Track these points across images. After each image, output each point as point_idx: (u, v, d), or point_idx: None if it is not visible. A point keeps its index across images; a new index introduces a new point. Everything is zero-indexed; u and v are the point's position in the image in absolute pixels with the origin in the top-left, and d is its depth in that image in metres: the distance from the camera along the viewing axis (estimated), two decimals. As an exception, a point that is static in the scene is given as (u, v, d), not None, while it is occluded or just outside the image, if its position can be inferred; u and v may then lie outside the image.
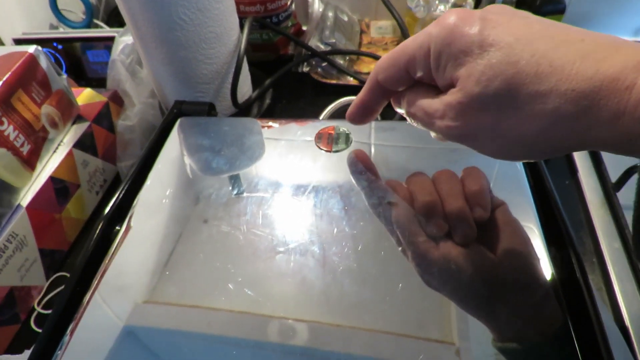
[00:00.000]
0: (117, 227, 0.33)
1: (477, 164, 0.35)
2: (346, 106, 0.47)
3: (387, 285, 0.28)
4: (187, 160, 0.38)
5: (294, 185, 0.34)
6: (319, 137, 0.37)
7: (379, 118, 0.48)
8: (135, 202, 0.34)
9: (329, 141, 0.37)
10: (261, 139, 0.39)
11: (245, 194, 0.34)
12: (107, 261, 0.31)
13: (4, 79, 0.37)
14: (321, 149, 0.37)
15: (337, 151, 0.36)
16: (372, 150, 0.37)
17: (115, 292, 0.29)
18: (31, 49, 0.40)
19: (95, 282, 0.29)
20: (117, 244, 0.32)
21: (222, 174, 0.36)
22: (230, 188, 0.35)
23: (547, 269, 0.28)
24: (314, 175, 0.35)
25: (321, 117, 0.46)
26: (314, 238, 0.30)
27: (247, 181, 0.35)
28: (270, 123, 0.41)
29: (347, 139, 0.37)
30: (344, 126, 0.38)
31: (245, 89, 0.55)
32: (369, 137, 0.38)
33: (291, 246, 0.30)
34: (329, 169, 0.35)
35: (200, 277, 0.29)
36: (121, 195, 0.35)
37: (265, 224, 0.32)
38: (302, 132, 0.39)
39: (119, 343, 0.26)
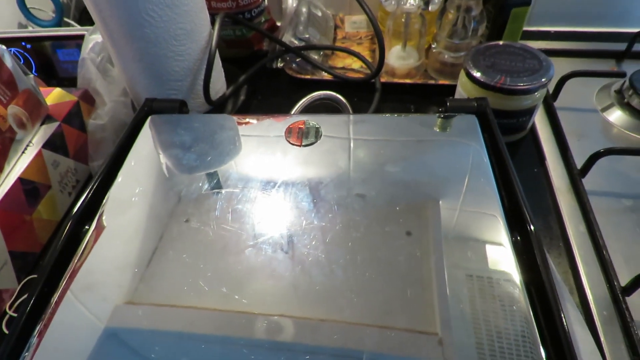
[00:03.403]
0: (87, 227, 0.33)
1: (444, 153, 0.36)
2: (317, 100, 0.48)
3: (370, 276, 0.28)
4: (158, 158, 0.38)
5: (265, 180, 0.34)
6: (289, 132, 0.38)
7: (351, 111, 0.49)
8: (105, 200, 0.34)
9: (299, 135, 0.37)
10: (232, 134, 0.39)
11: (215, 190, 0.34)
12: (76, 261, 0.30)
13: (-33, 79, 0.36)
14: (292, 144, 0.37)
15: (307, 145, 0.37)
16: (351, 144, 0.37)
17: (85, 292, 0.29)
18: (-5, 48, 0.39)
19: (64, 283, 0.29)
20: (86, 244, 0.31)
21: (193, 171, 0.36)
22: (200, 184, 0.35)
23: (509, 256, 0.28)
24: (284, 169, 0.35)
25: (292, 112, 0.46)
26: (289, 232, 0.31)
27: (218, 177, 0.35)
28: (244, 119, 0.41)
29: (317, 133, 0.38)
30: (313, 120, 0.39)
31: (219, 85, 0.54)
32: (339, 131, 0.38)
33: (266, 241, 0.30)
34: (300, 163, 0.36)
35: (172, 275, 0.29)
36: (90, 194, 0.35)
37: (235, 219, 0.32)
38: (274, 127, 0.39)
39: (89, 343, 0.26)
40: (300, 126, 0.38)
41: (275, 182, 0.34)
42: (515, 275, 0.28)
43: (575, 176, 0.44)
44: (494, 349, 0.24)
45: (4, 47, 0.40)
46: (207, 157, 0.37)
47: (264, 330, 0.26)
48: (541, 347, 0.24)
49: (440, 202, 0.32)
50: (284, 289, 0.28)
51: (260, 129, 0.39)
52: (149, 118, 0.41)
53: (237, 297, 0.27)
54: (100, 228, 0.32)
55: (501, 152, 0.36)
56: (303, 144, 0.37)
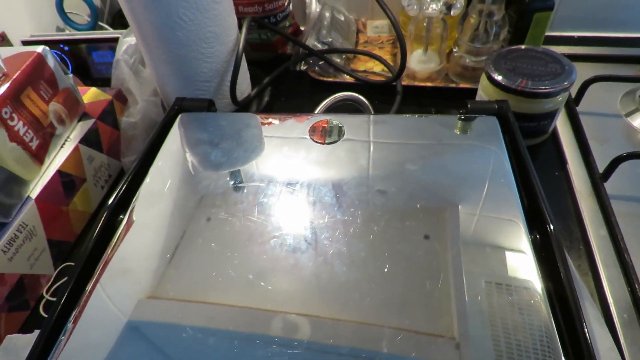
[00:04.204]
0: (121, 216, 0.35)
1: (465, 154, 0.37)
2: (340, 101, 0.49)
3: (389, 276, 0.28)
4: (187, 155, 0.40)
5: (290, 176, 0.36)
6: (313, 130, 0.39)
7: (372, 112, 0.50)
8: (137, 195, 0.36)
9: (322, 134, 0.39)
10: (258, 132, 0.41)
11: (242, 186, 0.36)
12: (109, 251, 0.32)
13: (14, 77, 0.39)
14: (315, 142, 0.38)
15: (330, 143, 0.38)
16: (372, 143, 0.38)
17: (118, 281, 0.30)
18: (39, 49, 0.42)
19: (99, 270, 0.31)
20: (120, 235, 0.33)
21: (220, 167, 0.38)
22: (228, 179, 0.36)
23: (529, 259, 0.29)
24: (308, 166, 0.36)
25: (316, 112, 0.48)
26: (312, 225, 0.32)
27: (245, 174, 0.37)
28: (269, 119, 0.42)
29: (340, 132, 0.39)
30: (336, 119, 0.40)
31: (245, 87, 0.56)
32: (361, 130, 0.40)
33: (290, 232, 0.31)
34: (323, 160, 0.37)
35: (198, 270, 0.30)
36: (124, 187, 0.37)
37: (261, 212, 0.33)
38: (298, 126, 0.41)
39: (117, 332, 0.27)
40: (323, 125, 0.39)
41: (300, 177, 0.35)
42: (535, 279, 0.27)
43: (597, 180, 0.44)
44: (511, 352, 0.24)
45: (47, 48, 0.43)
46: (234, 153, 0.39)
47: (287, 326, 0.26)
48: (561, 354, 0.24)
49: (460, 204, 0.32)
50: (307, 278, 0.29)
51: (285, 127, 0.41)
52: (179, 116, 0.43)
53: (262, 283, 0.28)
54: (132, 220, 0.34)
55: (522, 155, 0.37)
56: (326, 142, 0.38)
